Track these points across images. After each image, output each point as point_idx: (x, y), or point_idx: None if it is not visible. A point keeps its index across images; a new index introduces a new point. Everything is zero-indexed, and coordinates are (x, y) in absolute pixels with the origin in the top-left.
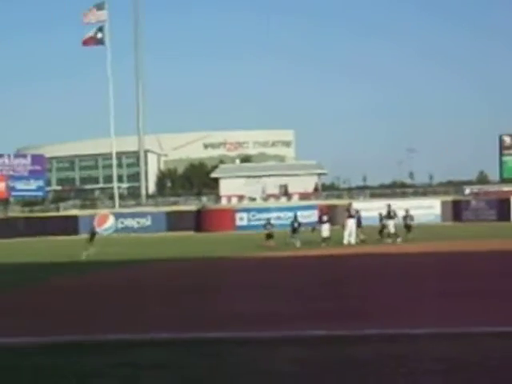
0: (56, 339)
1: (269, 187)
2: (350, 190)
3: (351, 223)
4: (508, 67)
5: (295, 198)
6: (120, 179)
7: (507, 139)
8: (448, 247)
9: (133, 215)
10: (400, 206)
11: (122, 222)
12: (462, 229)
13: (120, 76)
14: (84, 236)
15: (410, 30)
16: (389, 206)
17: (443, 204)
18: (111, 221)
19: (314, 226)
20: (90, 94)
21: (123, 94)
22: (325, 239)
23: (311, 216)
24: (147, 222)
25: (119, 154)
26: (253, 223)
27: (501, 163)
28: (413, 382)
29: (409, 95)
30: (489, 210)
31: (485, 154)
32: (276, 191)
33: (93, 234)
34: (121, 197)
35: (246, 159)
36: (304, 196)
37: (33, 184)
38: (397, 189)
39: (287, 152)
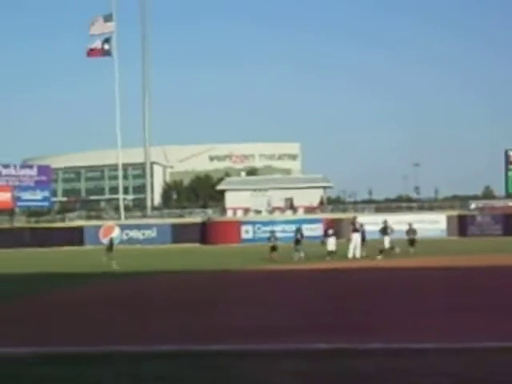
0: (58, 350)
1: (274, 200)
2: (355, 203)
3: (356, 237)
4: None
5: (300, 211)
6: (126, 191)
7: None
8: (453, 262)
9: (138, 227)
10: (405, 220)
11: (128, 234)
12: (467, 244)
13: (126, 87)
14: (90, 247)
15: (417, 43)
16: (385, 221)
17: (449, 219)
18: (116, 232)
19: (323, 240)
20: (96, 105)
21: (129, 105)
22: (330, 253)
23: (316, 229)
24: (152, 233)
25: (125, 166)
26: (258, 236)
27: (507, 178)
28: None
29: (416, 109)
30: (494, 225)
31: (491, 168)
32: (281, 204)
33: (111, 244)
34: (126, 208)
35: (251, 172)
36: (309, 209)
37: (38, 194)
38: (402, 203)
39: (293, 165)
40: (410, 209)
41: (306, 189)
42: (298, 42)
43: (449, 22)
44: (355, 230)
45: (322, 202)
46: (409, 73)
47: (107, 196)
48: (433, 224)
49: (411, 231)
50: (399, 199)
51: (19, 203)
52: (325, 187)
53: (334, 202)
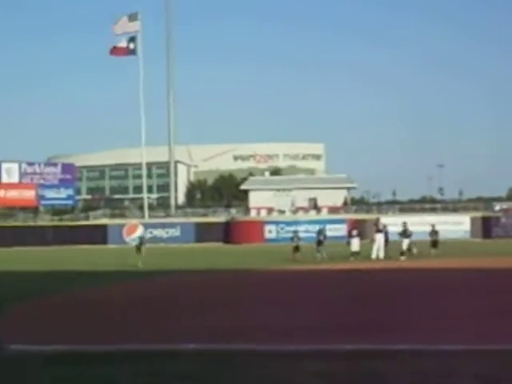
0: (81, 348)
1: (298, 200)
2: (379, 204)
3: (379, 238)
4: None
5: (324, 211)
6: (150, 189)
7: None
8: (477, 263)
9: (162, 225)
10: (428, 221)
11: (151, 232)
12: (491, 245)
13: (151, 85)
14: (114, 246)
15: (445, 46)
16: (405, 223)
17: (473, 220)
18: (140, 231)
19: (348, 240)
20: (120, 104)
21: (154, 103)
22: (353, 253)
23: (340, 230)
24: (176, 232)
25: (149, 165)
26: (281, 236)
27: None
28: None
29: (441, 110)
30: None
31: None
32: (305, 204)
33: (141, 243)
34: (150, 207)
35: (275, 172)
36: (333, 210)
37: (63, 193)
38: (426, 204)
39: (317, 165)
40: (433, 210)
41: (329, 189)
42: (324, 45)
43: (470, 26)
44: (379, 231)
45: (345, 203)
46: (434, 75)
47: (131, 195)
48: (457, 225)
49: (433, 232)
50: (423, 200)
51: (43, 201)
52: (349, 188)
53: (358, 203)
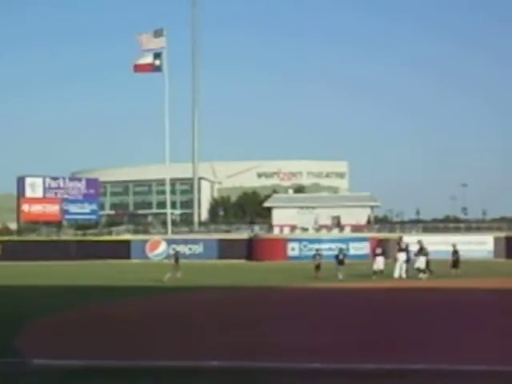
0: (103, 363)
1: (321, 218)
2: (402, 223)
3: (402, 256)
4: None
5: (347, 229)
6: (173, 205)
7: None
8: (500, 284)
9: (185, 241)
10: (451, 241)
11: (174, 249)
12: None
13: (176, 101)
14: (137, 261)
15: (467, 67)
16: (420, 241)
17: (496, 240)
18: (163, 247)
19: (373, 259)
20: (145, 119)
21: (178, 119)
22: (376, 272)
23: (363, 248)
24: (199, 248)
25: (173, 181)
26: (304, 253)
27: None
28: None
29: (464, 129)
30: None
31: None
32: (328, 222)
33: (176, 258)
34: (173, 223)
35: (299, 189)
36: (356, 228)
37: (86, 208)
38: (450, 223)
39: (341, 183)
40: (457, 229)
41: (353, 207)
42: (347, 63)
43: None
44: (401, 250)
45: (369, 221)
46: (456, 96)
47: (155, 210)
48: (480, 245)
49: (454, 252)
50: (446, 219)
51: (67, 216)
52: (372, 206)
53: (381, 221)
